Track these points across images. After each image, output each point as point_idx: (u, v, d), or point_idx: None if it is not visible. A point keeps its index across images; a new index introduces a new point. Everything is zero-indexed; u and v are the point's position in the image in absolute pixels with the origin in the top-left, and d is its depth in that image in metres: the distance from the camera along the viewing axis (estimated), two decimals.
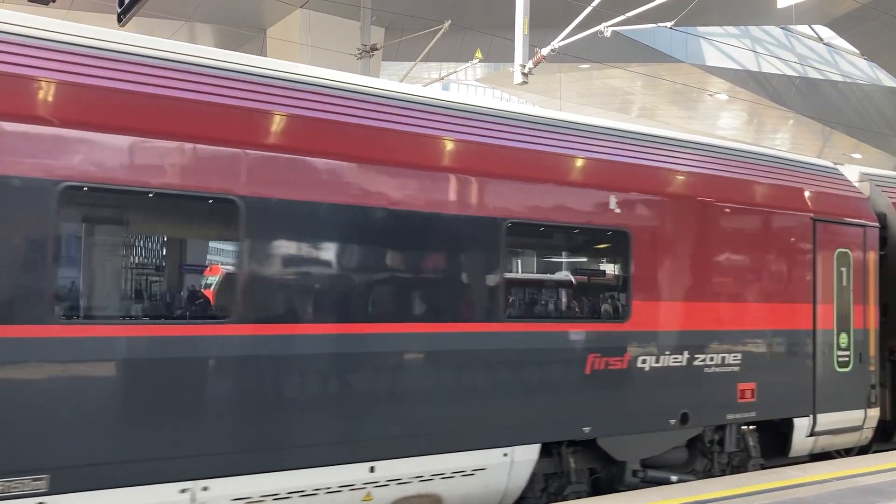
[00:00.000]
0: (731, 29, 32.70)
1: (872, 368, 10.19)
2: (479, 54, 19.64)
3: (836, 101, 36.95)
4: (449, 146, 7.04)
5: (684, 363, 8.31)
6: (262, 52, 23.40)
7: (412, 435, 6.63)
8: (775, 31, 34.53)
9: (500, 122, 7.60)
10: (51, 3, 8.15)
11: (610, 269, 8.33)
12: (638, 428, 7.98)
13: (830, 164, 10.71)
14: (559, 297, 8.22)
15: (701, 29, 30.17)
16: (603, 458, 7.99)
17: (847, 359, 9.85)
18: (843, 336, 9.82)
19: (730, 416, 8.74)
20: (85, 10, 20.27)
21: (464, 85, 42.15)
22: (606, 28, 15.21)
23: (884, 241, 10.66)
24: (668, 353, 8.19)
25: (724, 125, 42.31)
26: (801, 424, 9.41)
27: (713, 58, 33.30)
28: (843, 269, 9.86)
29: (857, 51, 34.86)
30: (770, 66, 34.53)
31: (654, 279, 8.13)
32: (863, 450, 10.50)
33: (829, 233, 9.71)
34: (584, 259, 8.62)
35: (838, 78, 36.31)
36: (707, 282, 8.54)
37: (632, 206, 7.99)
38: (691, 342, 8.40)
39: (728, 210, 8.80)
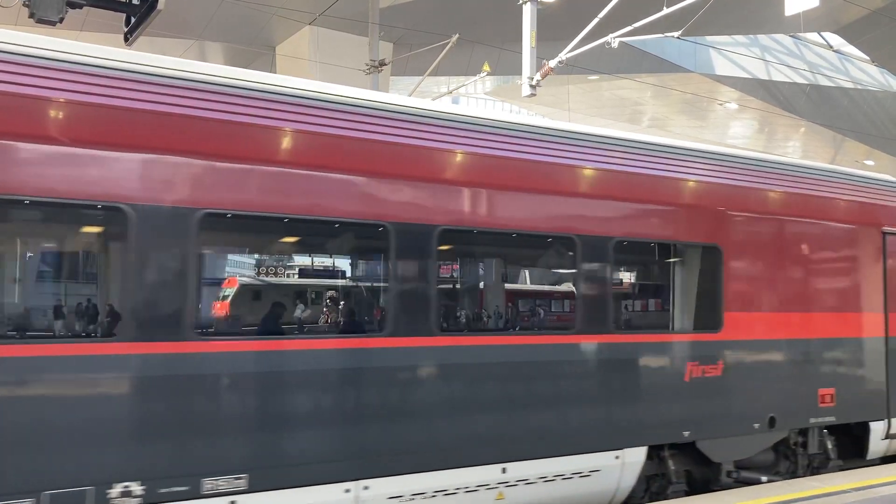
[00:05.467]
0: (739, 38, 32.66)
1: None
2: (487, 67, 19.69)
3: (847, 108, 36.81)
4: None
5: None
6: (271, 68, 23.55)
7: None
8: (784, 39, 34.46)
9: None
10: (58, 25, 8.22)
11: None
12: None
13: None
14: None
15: (709, 38, 30.18)
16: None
17: None
18: None
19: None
20: (97, 31, 20.46)
21: (473, 98, 42.25)
22: (614, 39, 15.21)
23: None
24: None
25: (735, 134, 42.23)
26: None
27: (722, 67, 33.27)
28: None
29: (868, 57, 34.73)
30: (780, 75, 34.46)
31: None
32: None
33: None
34: None
35: (849, 85, 36.18)
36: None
37: None
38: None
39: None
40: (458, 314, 9.58)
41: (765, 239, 9.05)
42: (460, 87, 24.29)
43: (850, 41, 31.87)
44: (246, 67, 21.51)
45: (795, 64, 34.24)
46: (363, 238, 7.34)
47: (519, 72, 16.02)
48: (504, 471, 7.08)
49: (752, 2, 24.86)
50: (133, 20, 9.38)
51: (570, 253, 7.76)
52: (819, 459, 9.54)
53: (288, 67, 22.63)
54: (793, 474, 9.27)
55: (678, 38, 15.10)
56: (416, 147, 6.95)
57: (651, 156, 8.45)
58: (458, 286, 9.60)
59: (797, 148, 43.76)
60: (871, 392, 9.84)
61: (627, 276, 9.77)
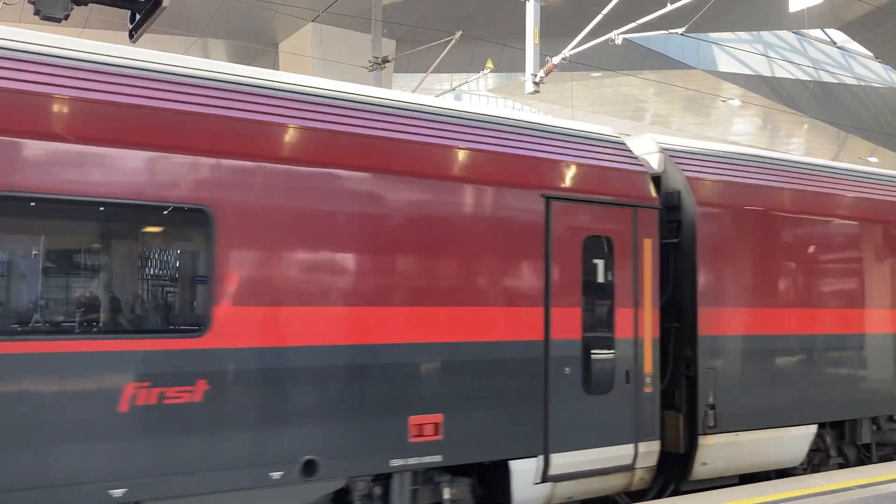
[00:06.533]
0: (743, 34, 32.61)
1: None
2: (490, 64, 19.68)
3: (850, 105, 36.73)
4: None
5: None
6: (274, 66, 23.55)
7: None
8: (788, 35, 34.40)
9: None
10: (63, 22, 8.23)
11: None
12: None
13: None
14: None
15: (713, 35, 30.12)
16: None
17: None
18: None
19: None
20: (99, 29, 20.47)
21: (475, 95, 42.24)
22: (617, 36, 15.18)
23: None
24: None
25: (738, 131, 42.16)
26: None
27: (725, 63, 33.21)
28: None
29: (871, 54, 34.65)
30: (783, 71, 34.39)
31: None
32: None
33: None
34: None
35: (852, 81, 36.10)
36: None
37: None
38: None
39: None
40: None
41: (305, 202, 6.23)
42: (463, 83, 24.27)
43: (854, 38, 31.78)
44: (247, 65, 21.54)
45: (799, 60, 34.16)
46: None
47: (522, 69, 15.99)
48: None
49: None
50: (138, 17, 9.38)
51: None
52: None
53: (291, 65, 22.62)
54: None
55: (682, 34, 15.06)
56: None
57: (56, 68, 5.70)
58: None
59: (800, 144, 43.69)
60: (515, 418, 7.04)
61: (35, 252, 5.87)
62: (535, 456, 7.14)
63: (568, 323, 7.39)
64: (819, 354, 9.23)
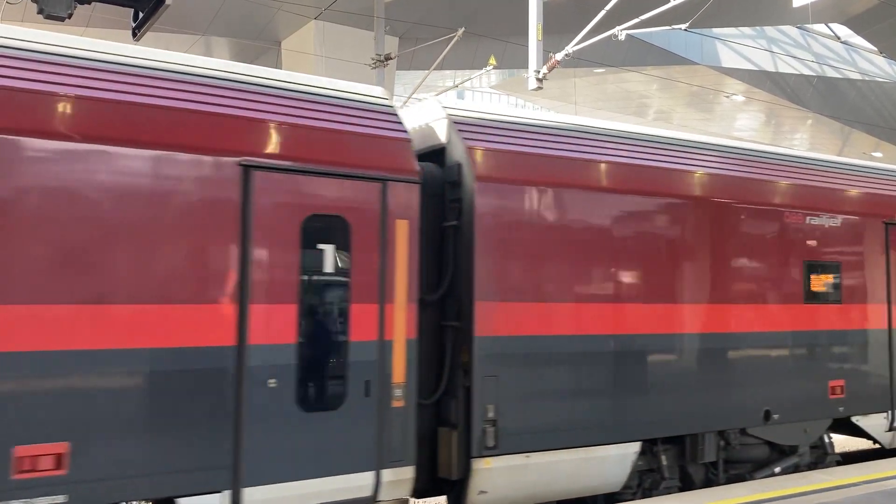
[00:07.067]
0: (746, 30, 32.53)
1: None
2: (492, 61, 19.65)
3: (854, 100, 36.62)
4: None
5: None
6: (276, 64, 23.56)
7: None
8: (791, 30, 34.32)
9: None
10: (66, 21, 8.24)
11: None
12: None
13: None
14: None
15: (716, 30, 30.05)
16: None
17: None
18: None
19: None
20: (102, 27, 20.48)
21: (479, 92, 42.18)
22: (621, 31, 15.15)
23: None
24: None
25: (742, 126, 42.06)
26: None
27: (729, 59, 33.14)
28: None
29: (875, 49, 34.54)
30: (787, 66, 34.31)
31: None
32: None
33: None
34: None
35: (857, 76, 36.01)
36: None
37: None
38: None
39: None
40: None
41: None
42: (466, 80, 24.26)
43: (858, 32, 31.69)
44: (250, 63, 21.55)
45: (802, 55, 34.07)
46: None
47: (525, 65, 15.97)
48: None
49: None
50: (141, 15, 9.40)
51: None
52: None
53: (293, 63, 22.64)
54: None
55: (685, 30, 15.03)
56: None
57: None
58: None
59: (804, 140, 43.57)
60: (187, 444, 5.67)
61: None
62: (219, 491, 5.74)
63: (275, 324, 6.00)
64: (639, 358, 7.72)
